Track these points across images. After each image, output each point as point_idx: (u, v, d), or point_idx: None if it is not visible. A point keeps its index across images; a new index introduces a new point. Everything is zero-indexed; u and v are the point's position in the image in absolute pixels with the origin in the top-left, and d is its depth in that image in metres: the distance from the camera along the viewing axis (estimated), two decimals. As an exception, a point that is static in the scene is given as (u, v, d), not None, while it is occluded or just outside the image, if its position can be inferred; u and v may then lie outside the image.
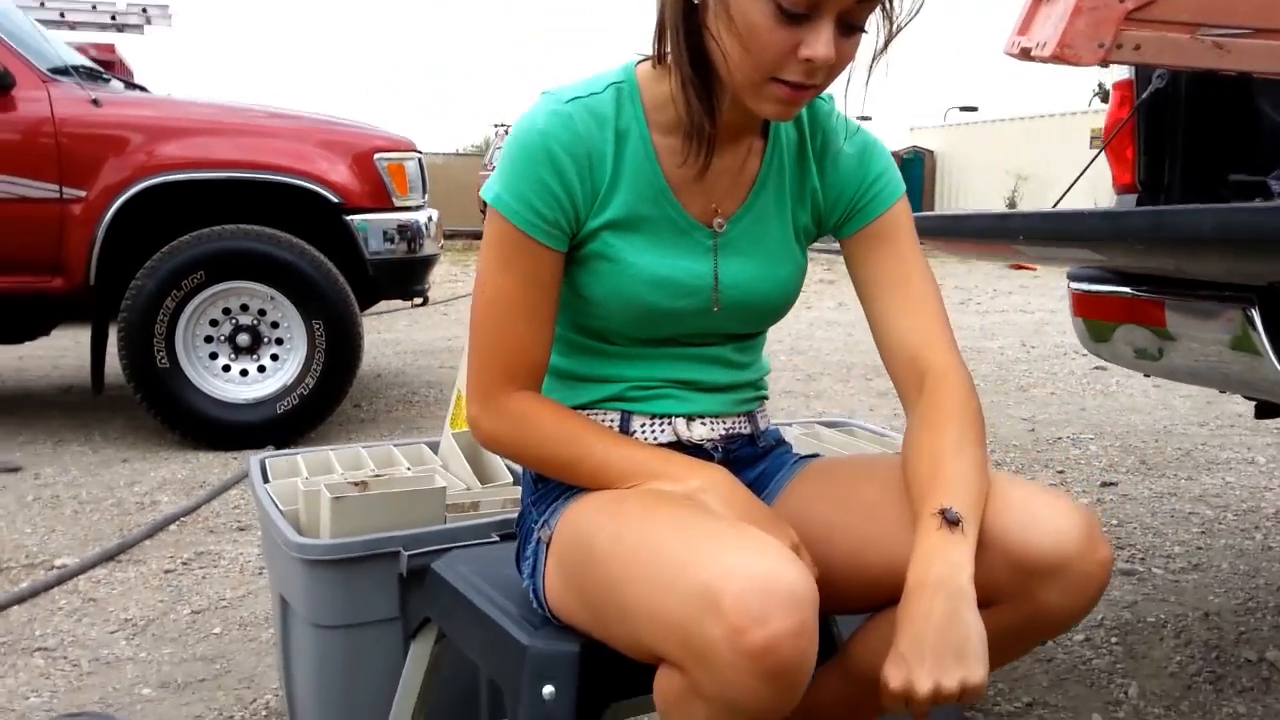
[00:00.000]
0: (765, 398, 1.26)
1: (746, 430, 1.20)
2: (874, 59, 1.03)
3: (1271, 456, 3.56)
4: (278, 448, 3.68)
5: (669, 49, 1.04)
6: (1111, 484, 3.27)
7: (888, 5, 1.00)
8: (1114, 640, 2.14)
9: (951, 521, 0.93)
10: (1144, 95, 2.12)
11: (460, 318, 7.39)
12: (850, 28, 0.97)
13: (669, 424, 1.14)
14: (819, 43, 0.95)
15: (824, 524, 1.08)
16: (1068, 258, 1.98)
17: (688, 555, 0.88)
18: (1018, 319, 7.77)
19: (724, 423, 1.18)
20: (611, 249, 1.08)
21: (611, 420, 1.14)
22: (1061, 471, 3.43)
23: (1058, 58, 1.74)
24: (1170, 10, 1.69)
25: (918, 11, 1.02)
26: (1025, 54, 1.87)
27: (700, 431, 1.15)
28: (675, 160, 1.08)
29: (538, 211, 1.05)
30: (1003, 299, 9.07)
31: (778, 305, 1.16)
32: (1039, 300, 8.87)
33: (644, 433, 1.14)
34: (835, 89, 1.05)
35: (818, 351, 5.94)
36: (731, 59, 0.98)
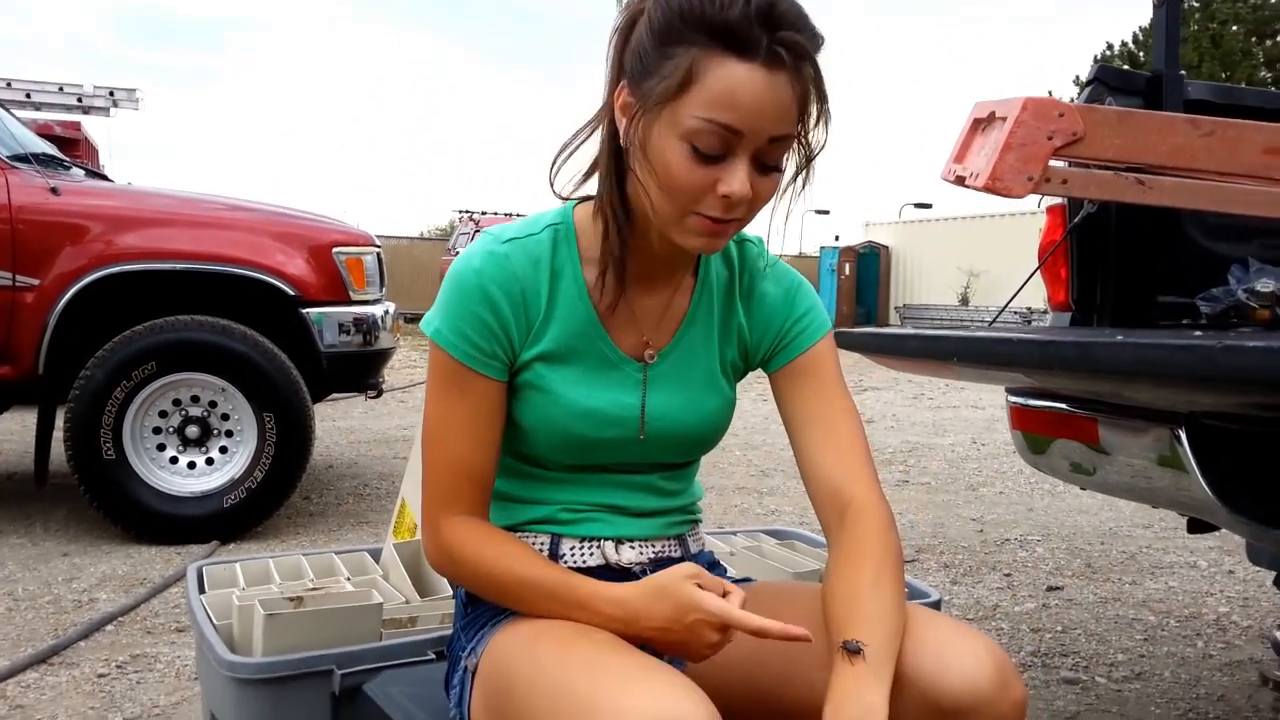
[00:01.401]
0: (697, 520, 1.28)
1: (677, 554, 1.22)
2: (791, 193, 1.09)
3: (1213, 560, 3.62)
4: (223, 542, 3.63)
5: (600, 190, 1.09)
6: (1057, 588, 3.30)
7: (802, 142, 1.06)
8: (1055, 755, 2.14)
9: (852, 651, 0.95)
10: (1075, 220, 2.21)
11: (417, 404, 7.36)
12: (766, 167, 1.03)
13: (597, 547, 1.17)
14: (734, 180, 1.00)
15: (747, 654, 1.09)
16: (1003, 379, 2.04)
17: (595, 695, 0.90)
18: (969, 415, 7.89)
19: (653, 546, 1.20)
20: (543, 380, 1.12)
21: (541, 543, 1.16)
22: (1009, 575, 3.46)
23: (989, 189, 1.82)
24: (1094, 149, 1.78)
25: (822, 148, 1.08)
26: (960, 181, 1.96)
27: (629, 555, 1.17)
28: (604, 296, 1.12)
29: (475, 344, 1.09)
30: (955, 394, 9.21)
31: (704, 437, 1.20)
32: (991, 397, 9.01)
33: (572, 555, 1.16)
34: (759, 227, 1.11)
35: (772, 446, 5.98)
36: (653, 196, 1.04)
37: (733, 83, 0.97)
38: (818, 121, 1.05)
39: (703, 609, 0.97)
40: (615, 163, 1.08)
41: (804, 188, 1.09)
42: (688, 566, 1.02)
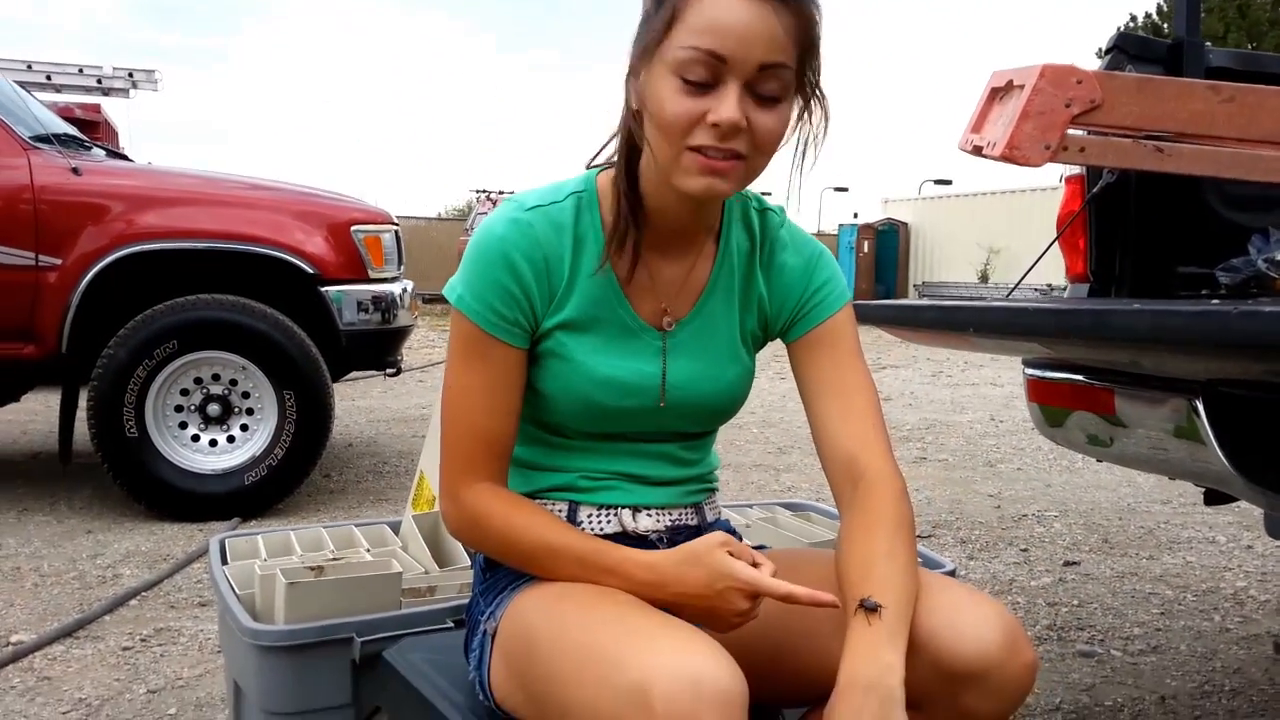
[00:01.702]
0: (714, 489, 1.29)
1: (693, 522, 1.23)
2: (808, 141, 1.09)
3: (1232, 536, 3.61)
4: (244, 519, 3.67)
5: (615, 157, 1.11)
6: (1074, 563, 3.30)
7: (808, 82, 1.05)
8: (1071, 725, 2.15)
9: (869, 609, 0.96)
10: (1095, 189, 2.19)
11: (435, 384, 7.40)
12: (764, 98, 1.02)
13: (615, 515, 1.18)
14: (723, 106, 1.00)
15: (761, 618, 1.10)
16: (1019, 349, 2.03)
17: (621, 653, 0.91)
18: (988, 392, 7.85)
19: (670, 514, 1.20)
20: (564, 348, 1.13)
21: (559, 510, 1.17)
22: (1025, 550, 3.45)
23: (1006, 158, 1.81)
24: (1112, 117, 1.76)
25: (826, 122, 1.08)
26: (977, 151, 1.95)
27: (645, 523, 1.18)
28: (620, 264, 1.13)
29: (497, 311, 1.10)
30: (974, 371, 9.17)
31: (723, 406, 1.20)
32: (1009, 374, 8.97)
33: (590, 523, 1.17)
34: (778, 190, 1.11)
35: (789, 424, 5.98)
36: (652, 141, 1.05)
37: (716, 10, 0.99)
38: (815, 57, 1.05)
39: (734, 576, 0.98)
40: (628, 132, 1.09)
41: (822, 133, 1.09)
42: (720, 535, 1.03)
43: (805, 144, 1.10)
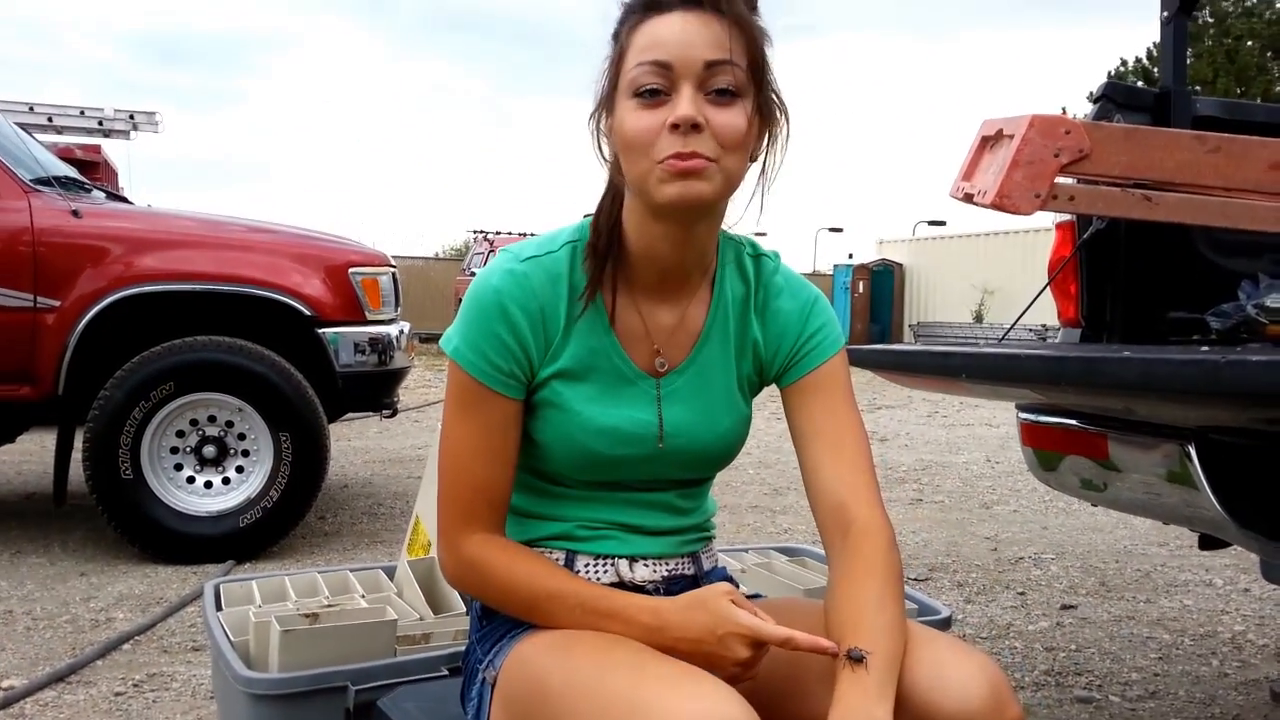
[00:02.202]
0: (711, 538, 1.29)
1: (690, 571, 1.23)
2: (772, 142, 1.13)
3: (1229, 579, 3.60)
4: (239, 562, 3.65)
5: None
6: (1071, 607, 3.29)
7: (758, 81, 1.08)
8: (1069, 773, 2.13)
9: (856, 659, 0.96)
10: (1084, 236, 2.22)
11: (431, 424, 7.39)
12: (718, 94, 1.05)
13: (611, 564, 1.18)
14: (677, 107, 1.04)
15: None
16: (1012, 395, 2.05)
17: (641, 699, 0.91)
18: (984, 433, 7.86)
19: (666, 564, 1.21)
20: (560, 397, 1.14)
21: (557, 558, 1.18)
22: (1022, 593, 3.44)
23: (997, 206, 1.84)
24: (1101, 166, 1.79)
25: (788, 125, 1.12)
26: (968, 198, 1.98)
27: (642, 573, 1.19)
28: (628, 314, 1.15)
29: (493, 364, 1.11)
30: (969, 412, 9.18)
31: (721, 453, 1.21)
32: (1005, 415, 8.98)
33: (587, 572, 1.17)
34: (740, 210, 1.13)
35: (786, 465, 5.97)
36: (625, 168, 1.09)
37: (656, 29, 1.06)
38: (765, 66, 1.08)
39: (737, 622, 0.99)
40: (611, 181, 1.14)
41: (782, 131, 1.12)
42: (724, 585, 1.05)
43: (768, 149, 1.13)
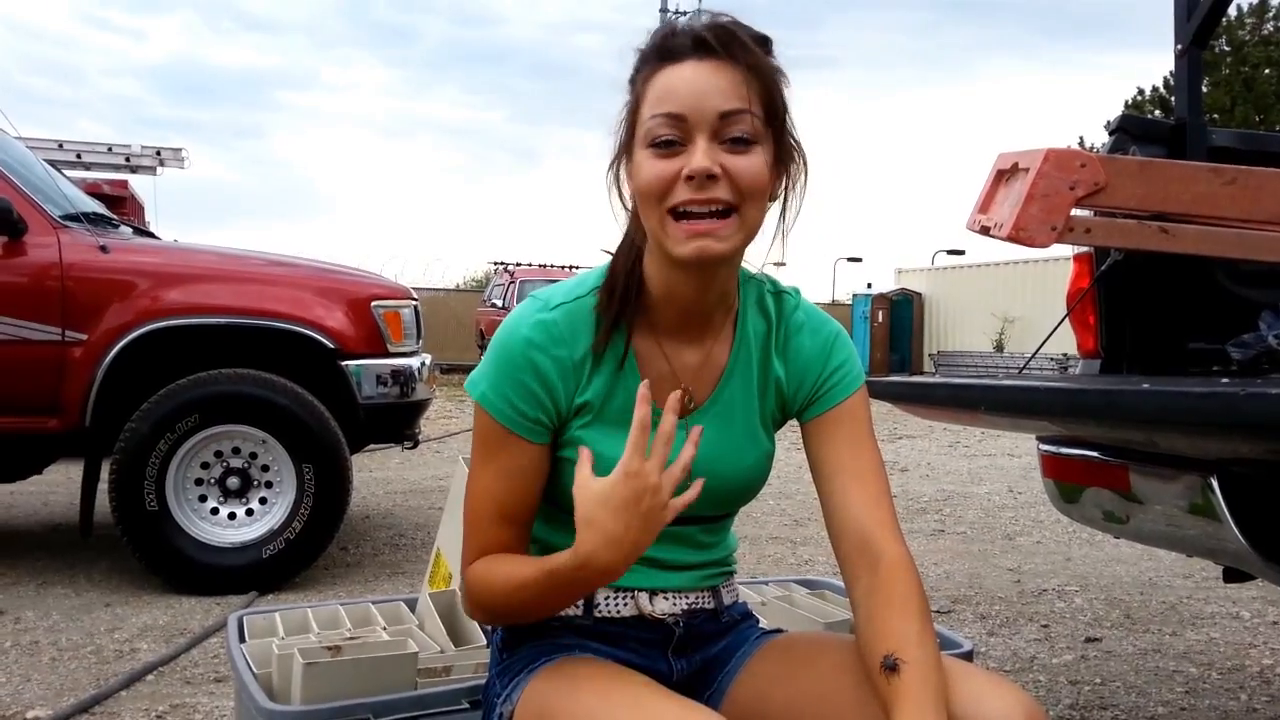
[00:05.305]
0: (732, 573, 1.30)
1: (710, 605, 1.24)
2: (779, 223, 1.15)
3: (1256, 611, 3.56)
4: (262, 593, 3.67)
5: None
6: (1095, 639, 3.25)
7: (775, 125, 1.09)
8: (1095, 809, 2.11)
9: (889, 669, 0.99)
10: (1102, 268, 2.22)
11: (453, 455, 7.41)
12: (734, 142, 1.06)
13: (631, 598, 1.19)
14: (692, 157, 1.05)
15: (782, 706, 1.11)
16: (1031, 427, 2.04)
17: None
18: (1005, 463, 7.81)
19: (686, 598, 1.22)
20: (587, 440, 1.15)
21: None
22: (1046, 626, 3.41)
23: (1013, 239, 1.85)
24: (1116, 198, 1.80)
25: (805, 171, 1.14)
26: (985, 231, 1.99)
27: (663, 606, 1.20)
28: (653, 355, 1.17)
29: (520, 410, 1.13)
30: (990, 442, 9.12)
31: (744, 489, 1.22)
32: (1026, 445, 8.91)
33: (606, 605, 1.19)
34: (761, 248, 1.15)
35: (806, 495, 5.95)
36: (643, 216, 1.10)
37: (669, 79, 1.07)
38: (781, 108, 1.09)
39: (622, 470, 1.00)
40: (630, 229, 1.17)
41: (801, 174, 1.13)
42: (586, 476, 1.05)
43: (786, 192, 1.14)
